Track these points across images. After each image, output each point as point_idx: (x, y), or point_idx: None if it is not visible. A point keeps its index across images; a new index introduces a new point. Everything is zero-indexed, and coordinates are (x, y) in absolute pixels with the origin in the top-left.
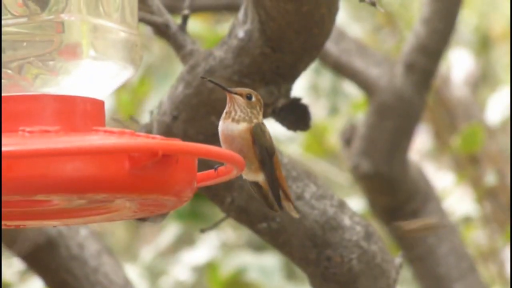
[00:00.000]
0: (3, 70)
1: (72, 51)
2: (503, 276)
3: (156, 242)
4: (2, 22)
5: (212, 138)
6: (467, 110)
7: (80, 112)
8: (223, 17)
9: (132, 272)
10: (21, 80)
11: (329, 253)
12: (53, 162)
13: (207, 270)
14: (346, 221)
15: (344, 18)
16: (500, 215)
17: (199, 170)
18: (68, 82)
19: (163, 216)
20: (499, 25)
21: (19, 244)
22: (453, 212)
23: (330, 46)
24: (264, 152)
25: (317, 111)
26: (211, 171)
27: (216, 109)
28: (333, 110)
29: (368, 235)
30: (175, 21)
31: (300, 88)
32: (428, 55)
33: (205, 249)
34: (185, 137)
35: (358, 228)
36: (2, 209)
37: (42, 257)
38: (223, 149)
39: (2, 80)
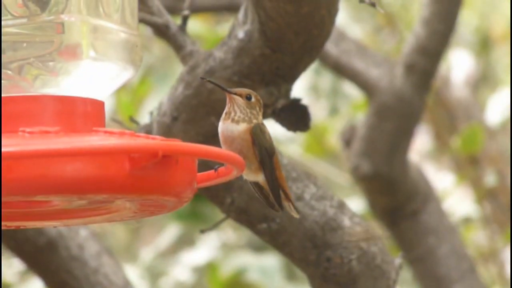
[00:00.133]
0: (3, 70)
1: (72, 52)
2: (503, 277)
3: (156, 242)
4: (2, 22)
5: (212, 138)
6: (467, 111)
7: (80, 112)
8: (224, 18)
9: (132, 272)
10: (21, 81)
11: (329, 254)
12: (53, 163)
13: (207, 270)
14: (346, 222)
15: (344, 19)
16: (500, 216)
17: (199, 170)
18: (68, 82)
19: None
20: (499, 26)
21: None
22: (453, 213)
23: (330, 47)
24: (263, 153)
25: (317, 111)
26: (211, 171)
27: (216, 110)
28: (333, 111)
29: (368, 236)
30: (175, 21)
31: (300, 89)
32: (428, 56)
33: (205, 249)
34: (185, 138)
35: (358, 229)
36: (2, 210)
37: (42, 257)
38: (223, 150)
39: (2, 81)
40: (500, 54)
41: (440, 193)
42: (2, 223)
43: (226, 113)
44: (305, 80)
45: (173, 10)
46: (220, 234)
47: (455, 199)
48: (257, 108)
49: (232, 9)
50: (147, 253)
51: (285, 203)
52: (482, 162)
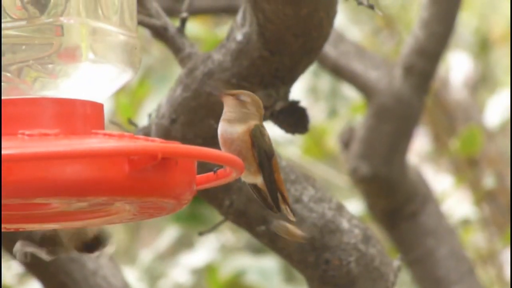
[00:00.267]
0: (2, 73)
1: (71, 54)
2: (502, 279)
3: (155, 244)
4: (2, 25)
5: (211, 141)
6: (466, 113)
7: (80, 115)
8: (222, 20)
9: (131, 274)
10: (20, 83)
11: (328, 256)
12: (53, 165)
13: (206, 272)
14: (345, 224)
15: (343, 21)
16: (499, 218)
17: (198, 172)
18: (67, 85)
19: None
20: (498, 27)
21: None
22: (452, 215)
23: (329, 48)
24: (263, 155)
25: (316, 113)
26: (211, 173)
27: (215, 112)
28: (332, 113)
29: (367, 238)
30: (173, 24)
31: (299, 91)
32: (427, 57)
33: (204, 251)
34: (184, 140)
35: (357, 231)
36: (2, 212)
37: (41, 259)
38: (222, 152)
39: (1, 83)
40: (499, 56)
41: (439, 194)
42: (2, 225)
43: (223, 115)
44: (304, 82)
45: (171, 12)
46: (219, 236)
47: (454, 201)
48: (250, 107)
49: (231, 11)
50: (146, 255)
51: (283, 206)
52: (481, 163)
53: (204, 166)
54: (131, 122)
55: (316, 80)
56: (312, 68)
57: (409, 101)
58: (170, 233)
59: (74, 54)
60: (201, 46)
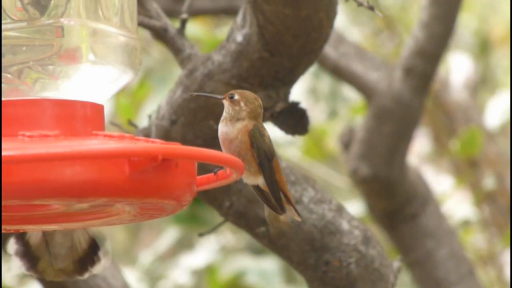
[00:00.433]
0: (2, 74)
1: (72, 55)
2: (502, 280)
3: (155, 245)
4: (2, 26)
5: (211, 142)
6: (466, 114)
7: (80, 116)
8: (222, 21)
9: (131, 276)
10: (20, 85)
11: (328, 257)
12: (53, 167)
13: (206, 273)
14: (345, 226)
15: (343, 22)
16: (499, 219)
17: (198, 174)
18: (67, 86)
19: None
20: (498, 29)
21: None
22: (452, 216)
23: (329, 50)
24: (262, 155)
25: (316, 114)
26: (211, 174)
27: (214, 113)
28: (332, 114)
29: (367, 240)
30: (173, 25)
31: (299, 92)
32: (427, 59)
33: (204, 252)
34: (184, 141)
35: (357, 232)
36: (2, 214)
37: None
38: (223, 153)
39: (2, 85)
40: (500, 57)
41: (439, 196)
42: (2, 226)
43: (222, 117)
44: (304, 83)
45: (171, 13)
46: (219, 237)
47: (454, 202)
48: (241, 104)
49: (231, 12)
50: (146, 256)
51: (287, 207)
52: (481, 165)
53: (205, 167)
54: (131, 123)
55: (316, 81)
56: (312, 69)
57: (409, 102)
58: (170, 234)
59: (74, 55)
60: (201, 47)
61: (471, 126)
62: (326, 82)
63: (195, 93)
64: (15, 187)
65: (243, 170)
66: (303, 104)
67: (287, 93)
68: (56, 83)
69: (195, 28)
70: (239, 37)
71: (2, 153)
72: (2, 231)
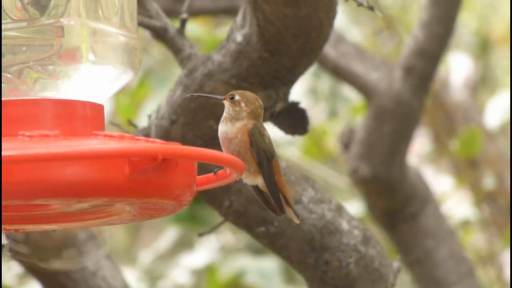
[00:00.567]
0: (3, 74)
1: (72, 55)
2: (502, 280)
3: (155, 245)
4: (2, 26)
5: (211, 142)
6: (466, 114)
7: (80, 116)
8: (222, 21)
9: (131, 275)
10: (20, 84)
11: (327, 257)
12: (53, 167)
13: (206, 273)
14: (344, 225)
15: (343, 22)
16: (499, 219)
17: (198, 173)
18: (67, 86)
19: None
20: (498, 29)
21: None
22: (451, 216)
23: (329, 49)
24: (262, 155)
25: (316, 114)
26: (211, 174)
27: (214, 113)
28: (332, 114)
29: (366, 239)
30: (173, 24)
31: (299, 92)
32: (427, 58)
33: (204, 252)
34: (183, 141)
35: (356, 232)
36: (2, 213)
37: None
38: (223, 153)
39: (2, 84)
40: (500, 57)
41: (438, 196)
42: (2, 226)
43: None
44: (304, 83)
45: (171, 13)
46: (219, 237)
47: (454, 202)
48: (241, 105)
49: (231, 12)
50: (146, 256)
51: (286, 208)
52: (481, 165)
53: (205, 167)
54: (131, 123)
55: (316, 81)
56: (312, 69)
57: (409, 102)
58: (170, 233)
59: (74, 55)
60: (201, 47)
61: (471, 126)
62: (326, 82)
63: (196, 94)
64: (15, 187)
65: (243, 170)
66: (303, 104)
67: (287, 93)
68: (56, 83)
69: (195, 28)
70: (239, 37)
71: (2, 153)
72: (2, 231)
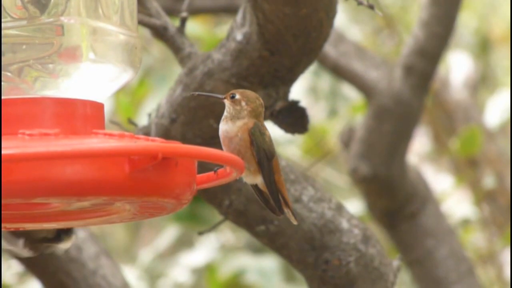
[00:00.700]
0: (3, 73)
1: (72, 54)
2: (502, 279)
3: (155, 244)
4: (2, 25)
5: (211, 140)
6: (466, 113)
7: (80, 114)
8: (222, 20)
9: (131, 274)
10: (21, 83)
11: (327, 256)
12: (53, 165)
13: (206, 272)
14: (344, 224)
15: (343, 21)
16: (499, 218)
17: (198, 172)
18: (67, 84)
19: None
20: (498, 28)
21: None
22: (451, 215)
23: (329, 48)
24: (262, 154)
25: (316, 113)
26: (211, 173)
27: (214, 112)
28: (332, 113)
29: (366, 238)
30: (173, 23)
31: (299, 91)
32: (427, 58)
33: (204, 251)
34: (183, 140)
35: (356, 231)
36: (2, 212)
37: (41, 259)
38: (223, 152)
39: (2, 83)
40: (500, 56)
41: (438, 195)
42: (2, 224)
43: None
44: (304, 82)
45: (171, 12)
46: (218, 236)
47: (454, 201)
48: (242, 104)
49: (231, 11)
50: (146, 255)
51: (284, 208)
52: (481, 164)
53: (205, 166)
54: (131, 121)
55: (316, 80)
56: (312, 68)
57: (409, 101)
58: (170, 232)
59: (74, 53)
60: (201, 46)
61: (471, 125)
62: (326, 81)
63: (197, 93)
64: (15, 186)
65: (243, 169)
66: (303, 103)
67: (287, 92)
68: (56, 82)
69: (195, 27)
70: (239, 36)
71: (2, 152)
72: (2, 229)
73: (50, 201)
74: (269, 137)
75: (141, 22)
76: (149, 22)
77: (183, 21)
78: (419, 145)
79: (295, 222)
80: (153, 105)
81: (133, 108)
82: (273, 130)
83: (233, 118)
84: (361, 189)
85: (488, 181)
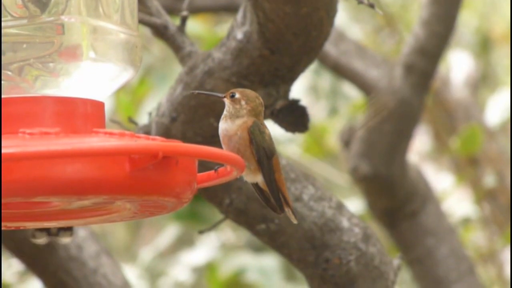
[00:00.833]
0: (3, 71)
1: (72, 53)
2: (502, 278)
3: (156, 242)
4: (2, 23)
5: (211, 139)
6: (467, 112)
7: (80, 113)
8: (223, 18)
9: (131, 273)
10: (21, 82)
11: (328, 255)
12: (54, 164)
13: (206, 271)
14: (345, 223)
15: (343, 20)
16: (499, 217)
17: (199, 171)
18: (68, 83)
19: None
20: (499, 27)
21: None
22: (452, 214)
23: (330, 47)
24: (261, 152)
25: (317, 112)
26: (212, 172)
27: (215, 111)
28: (333, 111)
29: (367, 237)
30: (174, 22)
31: (299, 89)
32: (427, 57)
33: (204, 249)
34: (184, 139)
35: (357, 230)
36: (2, 211)
37: (41, 258)
38: (223, 151)
39: (2, 82)
40: (500, 55)
41: (439, 193)
42: (2, 223)
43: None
44: (305, 81)
45: (172, 11)
46: (219, 235)
47: (454, 199)
48: (242, 103)
49: (231, 9)
50: (146, 253)
51: (285, 207)
52: (481, 162)
53: (205, 165)
54: (131, 120)
55: (317, 79)
56: (313, 66)
57: (409, 100)
58: (170, 231)
59: (75, 52)
60: (201, 45)
61: (471, 124)
62: (326, 79)
63: (196, 91)
64: (15, 185)
65: (243, 168)
66: (303, 102)
67: (287, 91)
68: (57, 81)
69: (195, 26)
70: (239, 35)
71: (3, 151)
72: (2, 228)
73: (50, 200)
74: (269, 135)
75: (141, 21)
76: (150, 21)
77: (184, 20)
78: (420, 144)
79: (295, 221)
80: (153, 104)
81: (133, 107)
82: (273, 129)
83: (233, 117)
84: (361, 188)
85: (489, 180)
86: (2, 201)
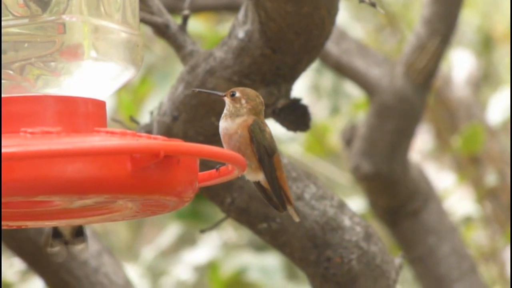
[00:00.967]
0: (4, 71)
1: (74, 52)
2: (503, 277)
3: (157, 241)
4: (3, 23)
5: (212, 138)
6: (469, 110)
7: (82, 113)
8: (224, 17)
9: (133, 272)
10: (22, 81)
11: (329, 254)
12: (55, 163)
13: (208, 270)
14: (346, 222)
15: (345, 19)
16: (501, 216)
17: (200, 170)
18: (69, 83)
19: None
20: (501, 26)
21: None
22: (453, 212)
23: (331, 46)
24: (262, 150)
25: (318, 111)
26: (213, 171)
27: (216, 110)
28: (334, 110)
29: (368, 236)
30: (175, 21)
31: (301, 88)
32: (429, 55)
33: (206, 248)
34: (185, 138)
35: (358, 228)
36: (3, 210)
37: (43, 257)
38: (224, 150)
39: (3, 81)
40: (502, 54)
41: (440, 192)
42: (4, 222)
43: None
44: (306, 80)
45: (173, 10)
46: (221, 233)
47: (456, 198)
48: (242, 101)
49: (233, 8)
50: (148, 252)
51: (288, 206)
52: (483, 161)
53: (207, 164)
54: (133, 119)
55: (318, 78)
56: (314, 65)
57: (411, 99)
58: (172, 230)
59: (76, 52)
60: (203, 44)
61: (473, 122)
62: (328, 78)
63: (197, 90)
64: (16, 184)
65: (245, 167)
66: (305, 101)
67: (288, 90)
68: (58, 80)
69: (197, 25)
70: (241, 34)
71: (3, 150)
72: (4, 227)
73: (52, 199)
74: (270, 133)
75: (143, 20)
76: (151, 20)
77: (185, 19)
78: (421, 142)
79: (297, 219)
80: (155, 103)
81: (135, 106)
82: (275, 128)
83: (233, 115)
84: (363, 186)
85: (490, 178)
86: (4, 200)
